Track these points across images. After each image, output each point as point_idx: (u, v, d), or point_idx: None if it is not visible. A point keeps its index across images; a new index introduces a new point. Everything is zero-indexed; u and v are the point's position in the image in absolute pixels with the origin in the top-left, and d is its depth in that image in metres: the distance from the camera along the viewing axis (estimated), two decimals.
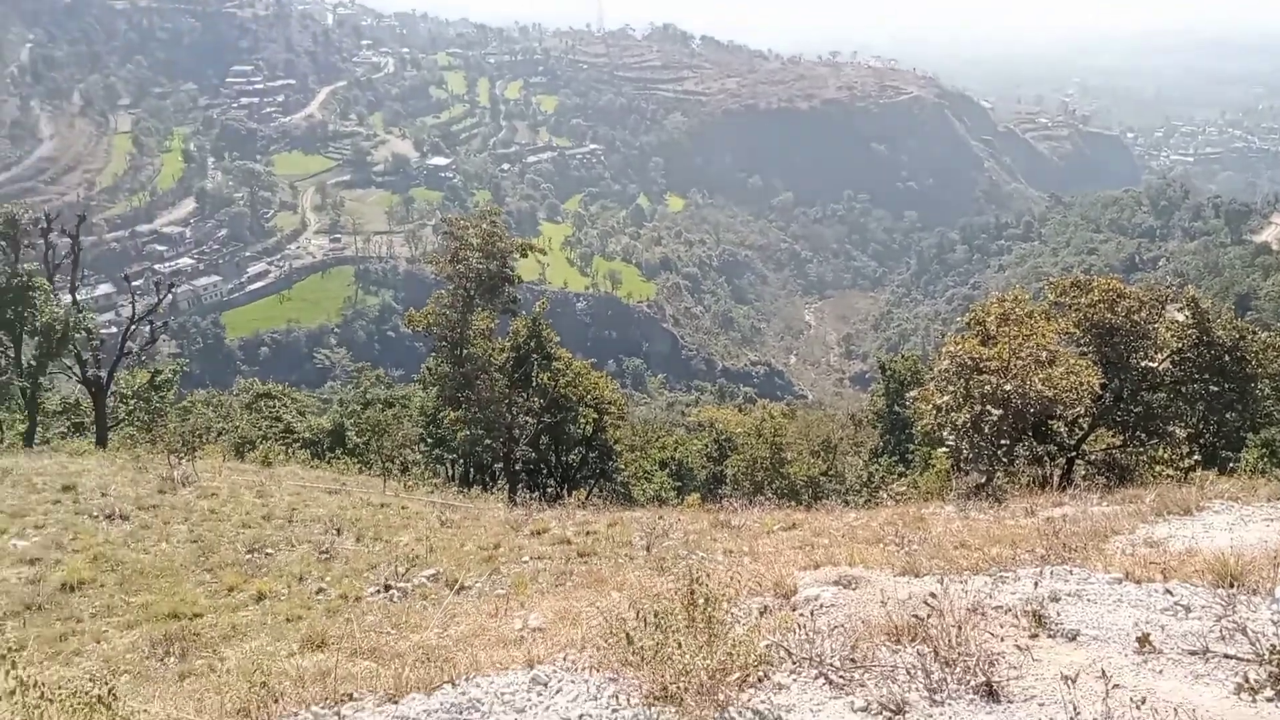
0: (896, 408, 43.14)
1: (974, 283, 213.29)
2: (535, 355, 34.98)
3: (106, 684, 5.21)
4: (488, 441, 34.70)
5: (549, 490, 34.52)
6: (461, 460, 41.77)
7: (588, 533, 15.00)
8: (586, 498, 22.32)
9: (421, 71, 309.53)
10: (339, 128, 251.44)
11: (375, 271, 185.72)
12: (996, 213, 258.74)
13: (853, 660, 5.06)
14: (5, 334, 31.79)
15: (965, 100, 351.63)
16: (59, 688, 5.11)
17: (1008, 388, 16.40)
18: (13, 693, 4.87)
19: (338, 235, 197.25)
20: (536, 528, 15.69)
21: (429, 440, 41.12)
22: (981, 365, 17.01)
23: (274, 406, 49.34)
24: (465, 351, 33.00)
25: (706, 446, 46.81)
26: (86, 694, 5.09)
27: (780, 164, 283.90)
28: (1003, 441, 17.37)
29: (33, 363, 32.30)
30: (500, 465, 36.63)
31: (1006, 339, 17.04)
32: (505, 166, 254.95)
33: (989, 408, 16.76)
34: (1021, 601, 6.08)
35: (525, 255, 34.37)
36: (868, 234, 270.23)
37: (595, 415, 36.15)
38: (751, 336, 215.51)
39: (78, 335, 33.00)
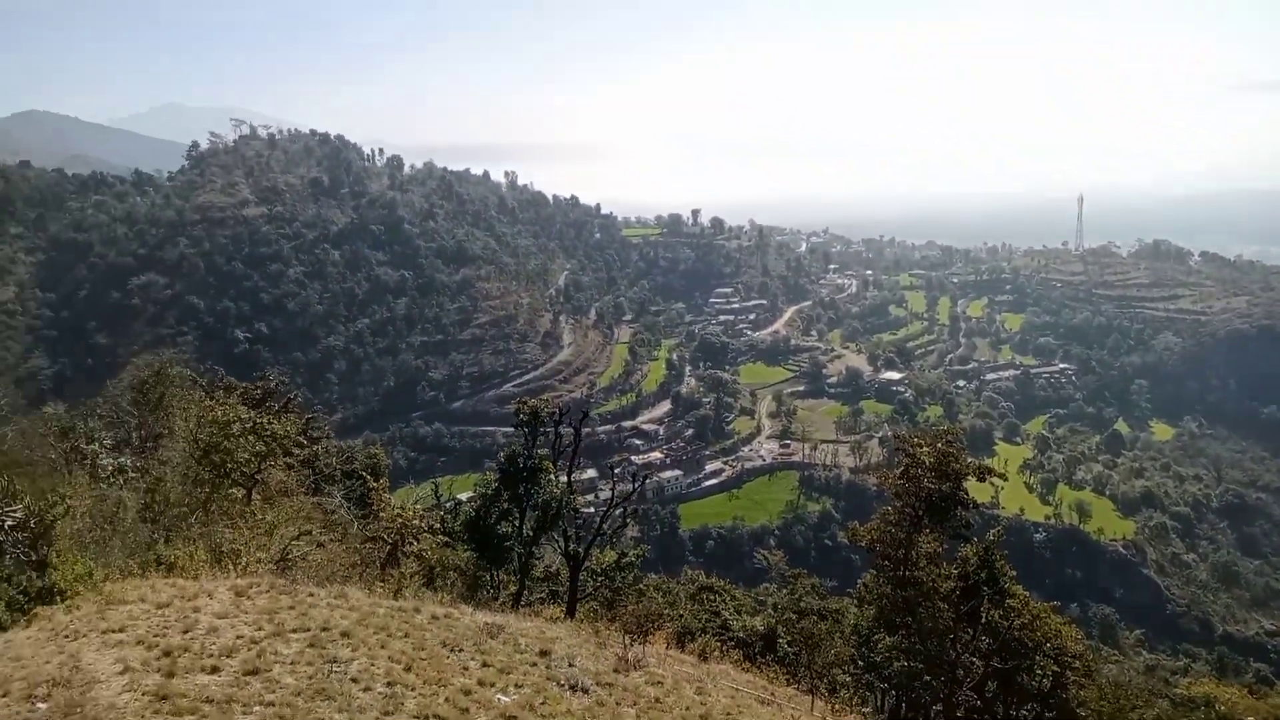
0: None
1: None
2: (986, 588, 31.87)
3: None
4: (927, 678, 31.89)
5: None
6: (894, 693, 38.80)
7: None
8: None
9: (883, 291, 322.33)
10: (800, 342, 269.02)
11: (819, 479, 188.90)
12: None
13: None
14: (515, 506, 37.94)
15: None
16: None
17: None
18: None
19: (787, 441, 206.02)
20: None
21: (860, 663, 39.08)
22: None
23: (714, 601, 51.40)
24: (908, 574, 31.37)
25: None
26: None
27: None
28: None
29: (530, 533, 37.90)
30: (939, 708, 33.22)
31: None
32: (961, 383, 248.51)
33: None
34: None
35: (982, 479, 32.29)
36: None
37: (1055, 668, 31.40)
38: (1266, 599, 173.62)
39: (566, 513, 38.22)
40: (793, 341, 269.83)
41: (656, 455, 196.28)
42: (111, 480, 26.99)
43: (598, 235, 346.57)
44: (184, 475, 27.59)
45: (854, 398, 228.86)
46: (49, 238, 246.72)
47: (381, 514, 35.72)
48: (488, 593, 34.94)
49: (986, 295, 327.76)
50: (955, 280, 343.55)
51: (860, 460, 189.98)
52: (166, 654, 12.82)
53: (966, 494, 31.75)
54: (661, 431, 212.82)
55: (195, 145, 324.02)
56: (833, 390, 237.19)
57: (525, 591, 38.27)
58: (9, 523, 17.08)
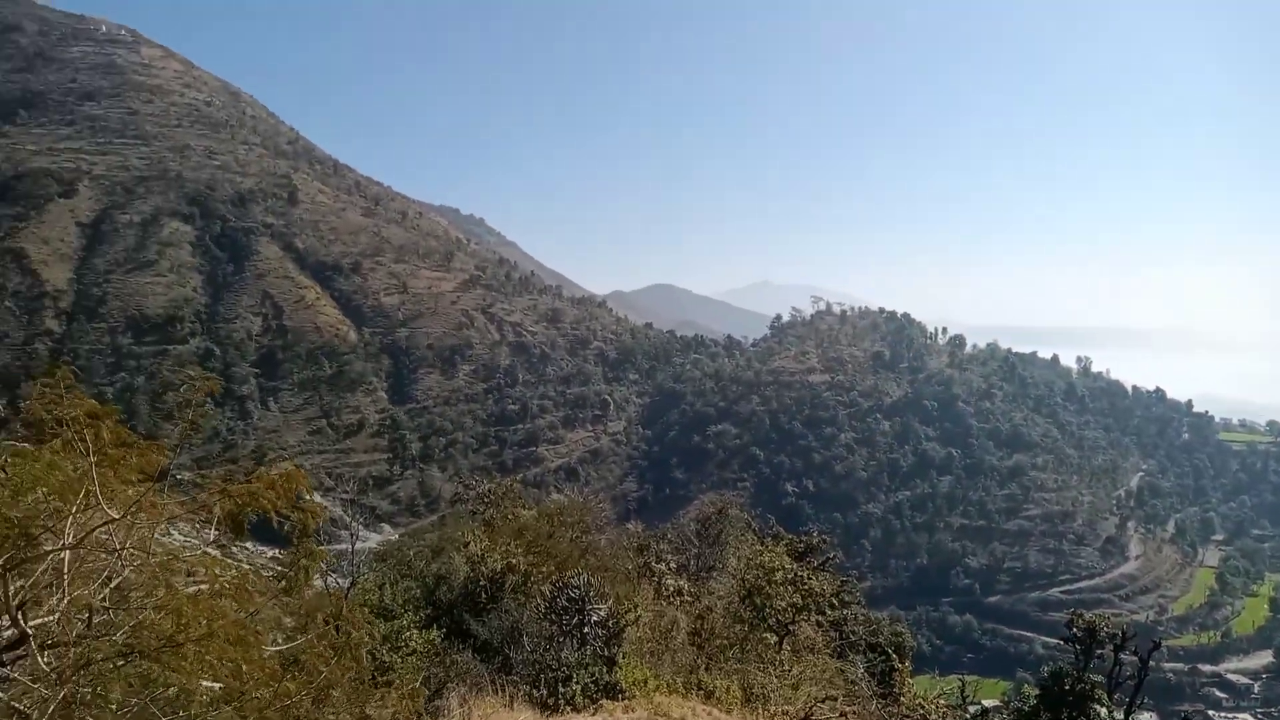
0: None
1: None
2: None
3: None
4: None
5: None
6: None
7: None
8: None
9: None
10: None
11: None
12: None
13: None
14: None
15: None
16: None
17: None
18: None
19: None
20: None
21: None
22: None
23: None
24: None
25: None
26: None
27: None
28: None
29: None
30: None
31: None
32: None
33: None
34: None
35: None
36: None
37: None
38: None
39: None
40: None
41: (1245, 718, 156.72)
42: (670, 599, 30.35)
43: (1185, 436, 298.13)
44: (727, 609, 29.80)
45: None
46: (655, 385, 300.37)
47: (902, 698, 33.97)
48: None
49: None
50: None
51: None
52: None
53: None
54: (1256, 689, 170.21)
55: (779, 317, 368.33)
56: None
57: None
58: (594, 617, 20.14)
